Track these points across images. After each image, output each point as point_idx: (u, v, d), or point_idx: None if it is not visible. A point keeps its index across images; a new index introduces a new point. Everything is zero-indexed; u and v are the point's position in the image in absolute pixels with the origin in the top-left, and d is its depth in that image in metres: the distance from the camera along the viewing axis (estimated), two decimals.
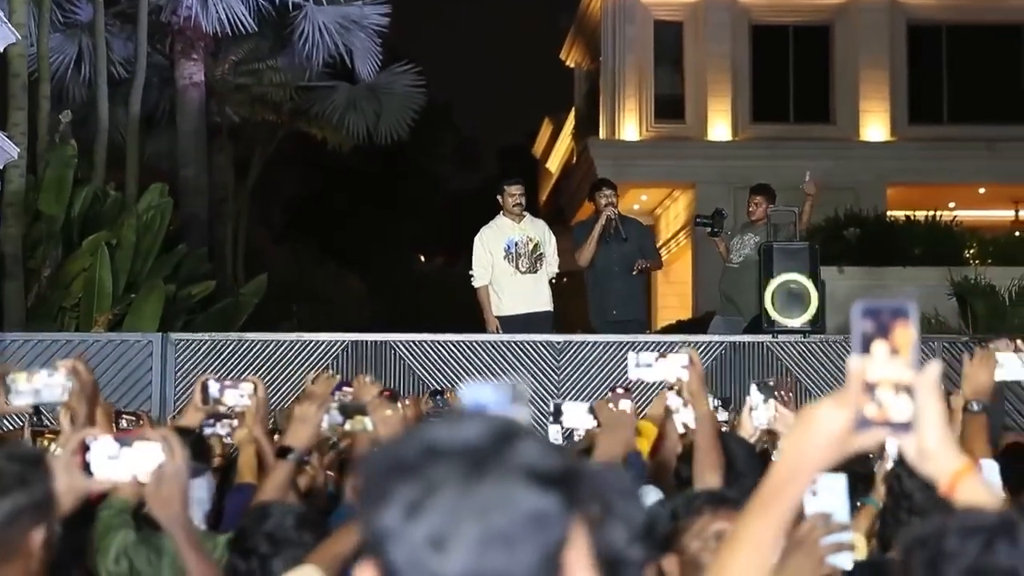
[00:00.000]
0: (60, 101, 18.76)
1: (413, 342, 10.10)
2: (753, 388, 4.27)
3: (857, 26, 25.54)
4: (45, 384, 3.63)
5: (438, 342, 9.93)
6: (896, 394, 1.81)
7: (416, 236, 39.61)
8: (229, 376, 9.15)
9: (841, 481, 2.71)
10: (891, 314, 1.82)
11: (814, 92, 25.89)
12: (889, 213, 19.95)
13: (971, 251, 16.95)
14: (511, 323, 10.10)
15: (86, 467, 2.62)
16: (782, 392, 4.18)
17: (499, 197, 10.34)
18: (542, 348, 10.08)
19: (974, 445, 3.84)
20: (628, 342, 10.01)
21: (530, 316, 10.15)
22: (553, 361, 10.08)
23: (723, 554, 1.93)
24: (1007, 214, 25.88)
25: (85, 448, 2.62)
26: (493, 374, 9.54)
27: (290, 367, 9.98)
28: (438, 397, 6.93)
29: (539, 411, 8.24)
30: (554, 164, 37.87)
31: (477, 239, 10.30)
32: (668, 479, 4.14)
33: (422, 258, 43.08)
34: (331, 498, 5.11)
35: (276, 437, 4.58)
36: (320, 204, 37.14)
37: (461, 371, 9.82)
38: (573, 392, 9.86)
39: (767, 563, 1.88)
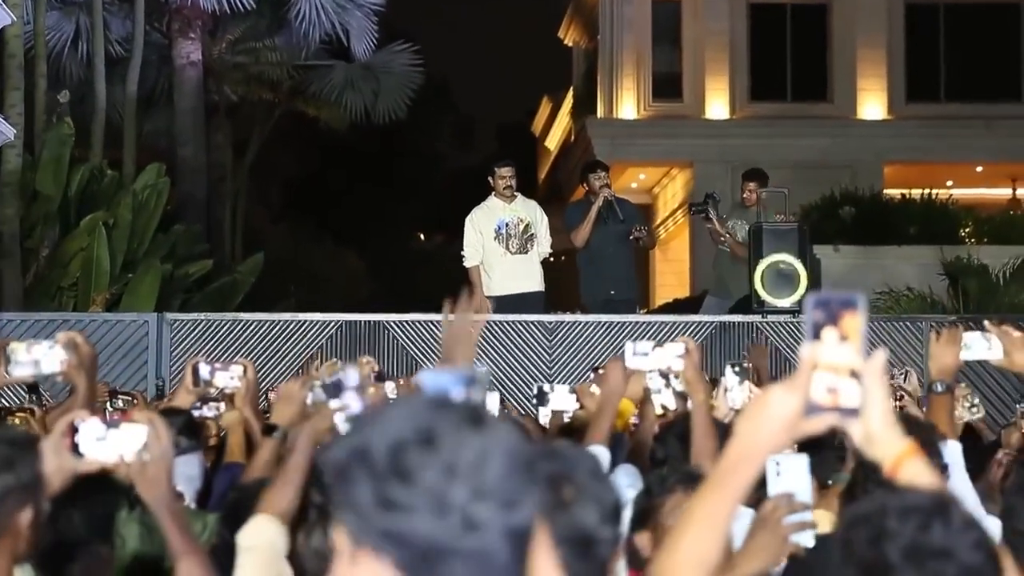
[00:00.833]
0: (57, 80, 18.79)
1: (407, 322, 10.18)
2: (728, 369, 4.33)
3: (855, 4, 25.51)
4: (44, 355, 3.65)
5: (431, 322, 9.99)
6: (844, 380, 1.89)
7: (415, 215, 39.57)
8: (224, 356, 9.30)
9: (803, 462, 2.80)
10: (841, 304, 1.91)
11: (812, 70, 25.86)
12: (886, 191, 19.96)
13: (966, 230, 16.95)
14: (502, 303, 10.16)
15: (75, 448, 2.70)
16: (750, 367, 4.23)
17: (490, 179, 10.40)
18: (534, 328, 10.14)
19: (939, 425, 3.88)
20: (619, 322, 10.09)
21: (521, 296, 10.20)
22: (545, 341, 10.15)
23: (678, 528, 2.01)
24: (1004, 192, 25.88)
25: (74, 430, 2.70)
26: (485, 354, 9.61)
27: (285, 347, 10.08)
28: None
29: (530, 391, 8.33)
30: (553, 142, 37.85)
31: (468, 220, 10.35)
32: (645, 459, 4.22)
33: (422, 237, 43.07)
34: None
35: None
36: (318, 183, 37.08)
37: None
38: (564, 372, 9.93)
39: (720, 538, 1.96)
